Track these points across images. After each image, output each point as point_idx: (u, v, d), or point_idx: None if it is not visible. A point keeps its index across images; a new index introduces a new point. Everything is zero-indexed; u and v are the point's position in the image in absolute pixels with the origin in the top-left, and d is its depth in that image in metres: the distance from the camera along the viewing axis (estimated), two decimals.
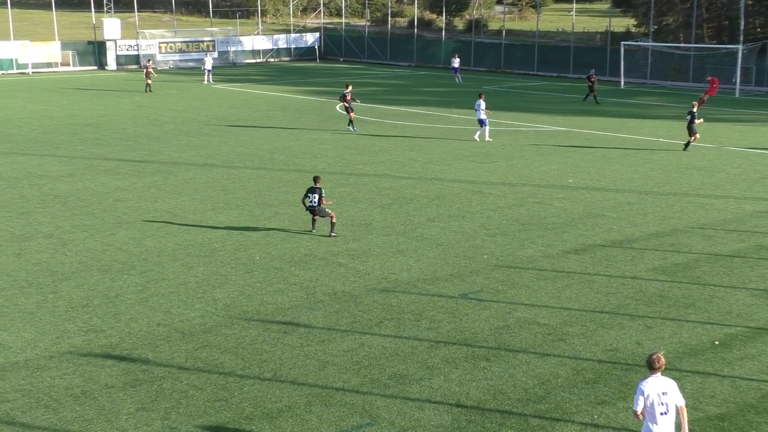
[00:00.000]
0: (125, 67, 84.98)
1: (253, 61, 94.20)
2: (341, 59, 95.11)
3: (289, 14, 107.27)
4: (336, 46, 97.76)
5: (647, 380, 11.59)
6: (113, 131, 44.82)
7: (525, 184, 31.90)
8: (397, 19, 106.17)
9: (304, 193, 25.13)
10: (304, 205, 25.06)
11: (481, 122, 40.91)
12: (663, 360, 11.67)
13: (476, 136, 41.14)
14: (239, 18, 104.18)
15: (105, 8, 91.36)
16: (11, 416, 14.34)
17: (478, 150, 38.90)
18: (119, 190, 31.02)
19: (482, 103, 40.66)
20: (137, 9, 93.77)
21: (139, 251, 23.56)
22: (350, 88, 45.29)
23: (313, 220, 25.48)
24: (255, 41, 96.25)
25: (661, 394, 11.48)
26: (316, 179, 25.24)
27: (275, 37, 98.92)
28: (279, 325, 18.28)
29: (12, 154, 38.20)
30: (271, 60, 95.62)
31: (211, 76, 70.67)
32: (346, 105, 44.52)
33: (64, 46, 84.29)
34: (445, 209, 28.32)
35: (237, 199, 29.80)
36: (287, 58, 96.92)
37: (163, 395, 15.11)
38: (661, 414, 11.46)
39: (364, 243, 24.45)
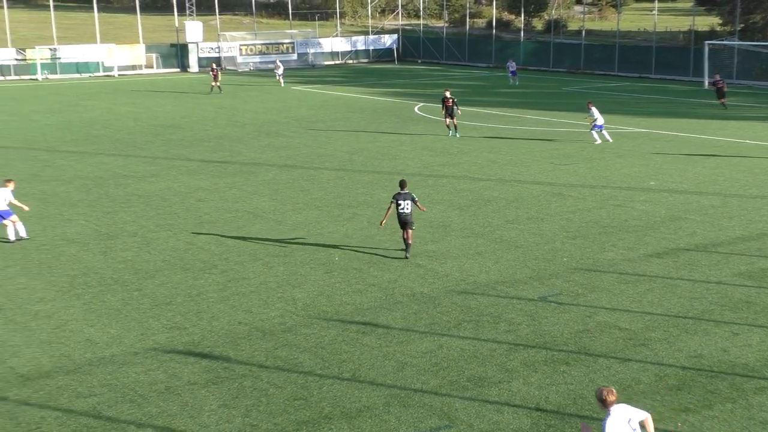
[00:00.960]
0: (207, 69, 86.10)
1: (332, 62, 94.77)
2: (419, 60, 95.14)
3: (368, 16, 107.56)
4: (414, 47, 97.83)
5: (610, 417, 11.17)
6: (195, 132, 45.50)
7: (605, 186, 31.50)
8: (475, 20, 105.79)
9: (392, 200, 22.99)
10: (398, 213, 22.68)
11: (597, 126, 40.27)
12: (615, 393, 11.28)
13: (603, 138, 40.37)
14: (318, 20, 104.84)
15: (187, 11, 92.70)
16: (98, 410, 14.64)
17: (558, 152, 38.54)
18: (201, 191, 31.46)
19: (595, 110, 40.16)
20: (218, 12, 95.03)
21: (220, 251, 23.85)
22: (449, 92, 43.30)
23: (405, 241, 23.02)
24: (334, 43, 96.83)
25: (628, 422, 11.24)
26: (403, 183, 23.26)
27: (354, 38, 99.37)
28: (358, 326, 18.34)
29: (99, 154, 39.02)
30: (350, 61, 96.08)
31: (282, 79, 71.31)
32: (449, 110, 42.69)
33: (148, 48, 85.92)
34: (524, 211, 28.12)
35: (316, 199, 29.99)
36: (365, 60, 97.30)
37: (244, 393, 15.26)
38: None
39: (443, 245, 24.40)
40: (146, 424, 14.22)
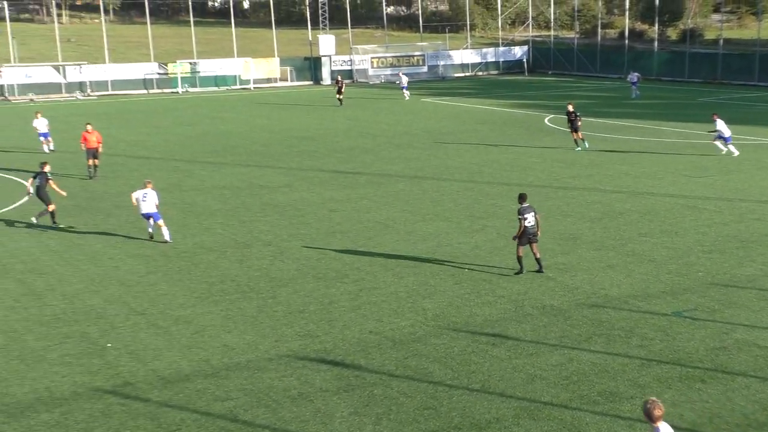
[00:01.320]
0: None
1: (462, 74, 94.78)
2: (549, 72, 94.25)
3: (498, 28, 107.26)
4: (544, 58, 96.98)
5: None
6: (327, 144, 46.17)
7: (743, 200, 30.56)
8: (607, 30, 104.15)
9: (519, 216, 22.35)
10: (524, 228, 22.11)
11: (724, 139, 39.21)
12: (662, 409, 10.90)
13: (729, 151, 39.35)
14: (448, 32, 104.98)
15: (321, 25, 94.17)
16: (234, 414, 15.01)
17: (693, 164, 37.59)
18: (333, 201, 31.89)
19: (720, 122, 39.15)
20: (351, 25, 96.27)
21: (351, 260, 24.13)
22: (571, 106, 42.73)
23: (534, 257, 22.60)
24: (464, 55, 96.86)
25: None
26: (523, 197, 22.50)
27: (483, 50, 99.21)
28: (487, 337, 18.28)
29: (236, 165, 40.00)
30: (480, 73, 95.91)
31: (407, 92, 71.03)
32: (574, 125, 42.09)
33: (283, 62, 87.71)
34: (657, 224, 27.54)
35: (446, 210, 30.03)
36: (495, 72, 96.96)
37: (375, 401, 15.41)
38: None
39: (573, 257, 24.11)
40: (280, 428, 14.50)
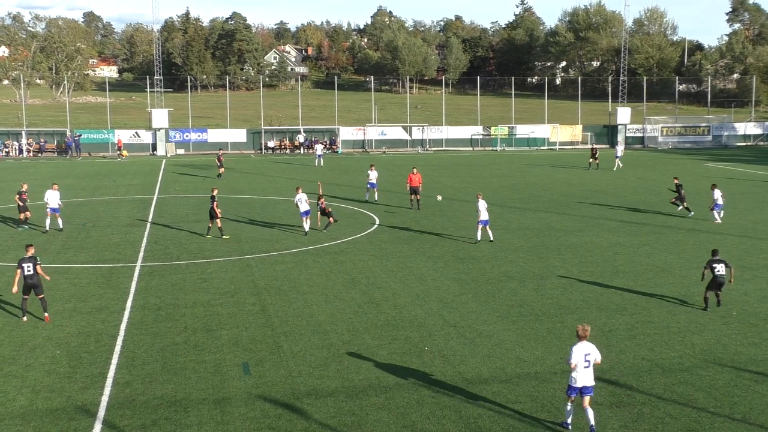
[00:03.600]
0: (631, 146, 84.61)
1: (744, 143, 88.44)
2: None
3: None
4: None
5: (577, 345, 14.18)
6: (617, 198, 44.73)
7: None
8: None
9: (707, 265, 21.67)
10: (714, 276, 21.51)
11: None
12: (588, 329, 14.24)
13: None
14: (734, 107, 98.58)
15: (620, 99, 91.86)
16: (521, 415, 14.85)
17: None
18: (618, 245, 30.80)
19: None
20: (645, 99, 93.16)
21: (630, 297, 23.16)
22: None
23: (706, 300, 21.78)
24: (747, 127, 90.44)
25: (586, 355, 14.09)
26: (714, 252, 21.61)
27: (766, 124, 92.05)
28: (751, 374, 16.84)
29: (538, 211, 39.77)
30: (761, 143, 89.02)
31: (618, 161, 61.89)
32: None
33: (585, 128, 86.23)
34: None
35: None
36: None
37: (643, 418, 14.65)
38: (584, 367, 14.08)
39: None
40: (559, 430, 14.16)
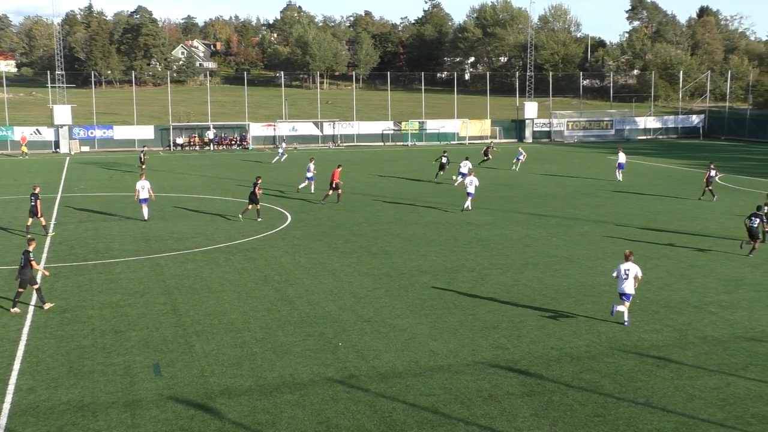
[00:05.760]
0: (539, 140, 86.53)
1: (644, 137, 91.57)
2: (723, 138, 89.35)
3: (678, 99, 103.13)
4: (718, 125, 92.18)
5: (622, 263, 19.83)
6: (525, 191, 45.67)
7: None
8: None
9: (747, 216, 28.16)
10: (745, 225, 28.07)
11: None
12: (630, 253, 20.09)
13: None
14: (635, 102, 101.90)
15: (527, 94, 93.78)
16: (435, 407, 15.02)
17: None
18: (528, 238, 31.46)
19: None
20: (552, 94, 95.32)
21: (540, 288, 23.70)
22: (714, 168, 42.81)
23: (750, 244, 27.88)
24: (647, 121, 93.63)
25: (626, 270, 19.67)
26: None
27: (665, 117, 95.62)
28: (653, 359, 17.47)
29: (450, 205, 40.14)
30: (660, 137, 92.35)
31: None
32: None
33: (493, 123, 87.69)
34: None
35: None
36: (674, 136, 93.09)
37: (553, 406, 15.02)
38: (624, 278, 19.65)
39: (735, 296, 22.67)
40: (472, 422, 14.39)
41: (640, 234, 32.17)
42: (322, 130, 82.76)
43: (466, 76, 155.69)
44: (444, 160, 51.74)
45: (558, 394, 15.57)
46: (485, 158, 61.42)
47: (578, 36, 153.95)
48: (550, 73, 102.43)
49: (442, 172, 51.68)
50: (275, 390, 15.79)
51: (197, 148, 77.94)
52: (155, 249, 29.05)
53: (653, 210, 38.46)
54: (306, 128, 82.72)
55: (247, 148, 77.81)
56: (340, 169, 41.60)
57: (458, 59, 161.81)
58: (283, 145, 69.59)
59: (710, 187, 41.96)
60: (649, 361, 17.38)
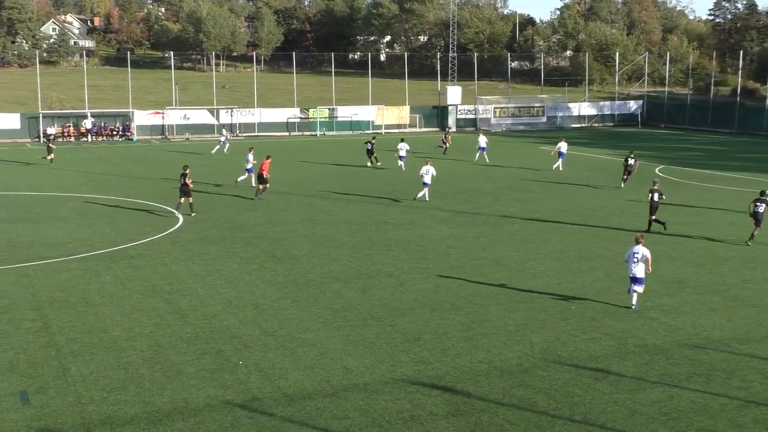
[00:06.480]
0: (463, 129, 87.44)
1: (579, 125, 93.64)
2: (662, 125, 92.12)
3: (615, 83, 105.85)
4: (658, 112, 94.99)
5: (632, 247, 22.29)
6: (451, 186, 46.06)
7: None
8: (720, 87, 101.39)
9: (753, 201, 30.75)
10: (749, 211, 31.11)
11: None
12: (642, 236, 22.71)
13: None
14: (568, 86, 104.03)
15: (449, 77, 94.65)
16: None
17: None
18: (452, 238, 31.75)
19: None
20: (477, 78, 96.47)
21: (466, 293, 23.93)
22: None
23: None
24: (581, 107, 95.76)
25: (634, 254, 21.96)
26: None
27: (600, 103, 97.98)
28: (590, 372, 17.82)
29: (364, 202, 40.28)
30: (595, 125, 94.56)
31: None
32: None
33: (413, 110, 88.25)
34: (760, 272, 26.49)
35: (557, 251, 29.53)
36: (610, 123, 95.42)
37: (482, 426, 15.15)
38: (634, 262, 22.04)
39: (677, 300, 23.36)
40: None
41: (576, 232, 32.83)
42: (218, 119, 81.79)
43: (382, 57, 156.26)
44: (369, 146, 54.55)
45: (487, 413, 15.72)
46: (444, 146, 63.65)
47: (505, 13, 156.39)
48: (475, 55, 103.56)
49: (376, 162, 54.50)
50: (166, 417, 15.48)
51: (72, 139, 75.99)
52: (22, 257, 28.19)
53: (590, 206, 39.34)
54: (200, 116, 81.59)
55: (131, 139, 76.29)
56: (269, 161, 41.88)
57: (372, 38, 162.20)
58: (224, 132, 68.54)
59: (626, 177, 45.50)
60: (587, 373, 17.73)
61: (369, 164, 55.00)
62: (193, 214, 35.90)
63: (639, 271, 22.02)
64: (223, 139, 65.85)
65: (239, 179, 45.02)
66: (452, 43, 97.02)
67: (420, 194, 40.40)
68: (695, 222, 34.95)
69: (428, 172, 40.60)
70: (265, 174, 40.93)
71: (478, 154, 58.91)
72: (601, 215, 36.71)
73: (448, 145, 64.40)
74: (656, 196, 32.85)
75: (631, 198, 41.36)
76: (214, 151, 63.65)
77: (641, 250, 22.05)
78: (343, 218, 35.98)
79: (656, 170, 52.77)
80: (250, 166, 45.00)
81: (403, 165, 52.94)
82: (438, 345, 19.50)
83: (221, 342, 19.70)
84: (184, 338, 19.97)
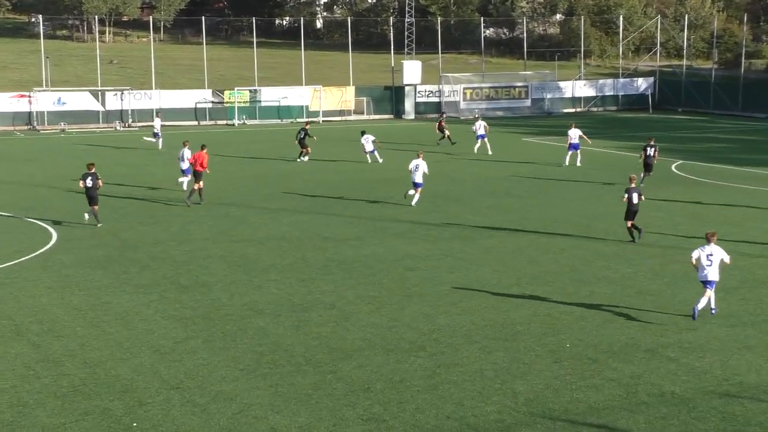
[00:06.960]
0: (425, 116, 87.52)
1: (573, 110, 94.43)
2: (680, 109, 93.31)
3: (618, 56, 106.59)
4: (674, 93, 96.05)
5: (703, 246, 24.28)
6: (407, 188, 46.07)
7: None
8: (752, 60, 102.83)
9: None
10: None
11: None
12: (712, 234, 24.57)
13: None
14: (558, 60, 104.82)
15: (406, 50, 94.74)
16: None
17: None
18: (410, 258, 31.78)
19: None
20: (441, 50, 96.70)
21: (429, 330, 23.93)
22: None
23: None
24: (575, 87, 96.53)
25: (708, 255, 23.98)
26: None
27: (600, 82, 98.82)
28: (591, 428, 17.89)
29: (296, 212, 40.21)
30: (594, 109, 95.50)
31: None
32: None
33: (359, 91, 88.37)
34: None
35: (546, 273, 29.70)
36: (613, 108, 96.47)
37: None
38: (708, 265, 24.00)
39: (701, 333, 23.57)
40: None
41: (570, 247, 33.05)
42: (104, 104, 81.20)
43: (318, 24, 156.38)
44: (302, 135, 56.27)
45: None
46: (441, 135, 64.86)
47: None
48: (439, 20, 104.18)
49: (305, 157, 56.25)
50: None
51: None
52: None
53: (588, 214, 39.66)
54: (80, 100, 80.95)
55: None
56: (205, 152, 42.38)
57: (305, 0, 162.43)
58: (158, 120, 67.15)
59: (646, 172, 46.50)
60: (586, 431, 17.79)
61: (300, 159, 55.19)
62: (99, 225, 36.41)
63: (713, 273, 24.16)
64: (156, 130, 64.78)
65: (180, 180, 45.34)
66: (409, 4, 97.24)
67: (411, 193, 41.40)
68: (723, 234, 35.30)
69: (418, 168, 41.10)
70: (202, 169, 41.34)
71: (478, 144, 60.49)
72: (602, 226, 37.00)
73: (448, 132, 65.12)
74: (635, 197, 33.70)
75: (646, 200, 41.72)
76: (160, 146, 63.19)
77: (717, 251, 24.12)
78: (270, 233, 35.88)
79: (672, 167, 53.42)
80: (186, 165, 44.32)
81: (378, 156, 55.35)
82: (394, 397, 19.45)
83: (109, 398, 19.48)
84: (59, 394, 19.72)
